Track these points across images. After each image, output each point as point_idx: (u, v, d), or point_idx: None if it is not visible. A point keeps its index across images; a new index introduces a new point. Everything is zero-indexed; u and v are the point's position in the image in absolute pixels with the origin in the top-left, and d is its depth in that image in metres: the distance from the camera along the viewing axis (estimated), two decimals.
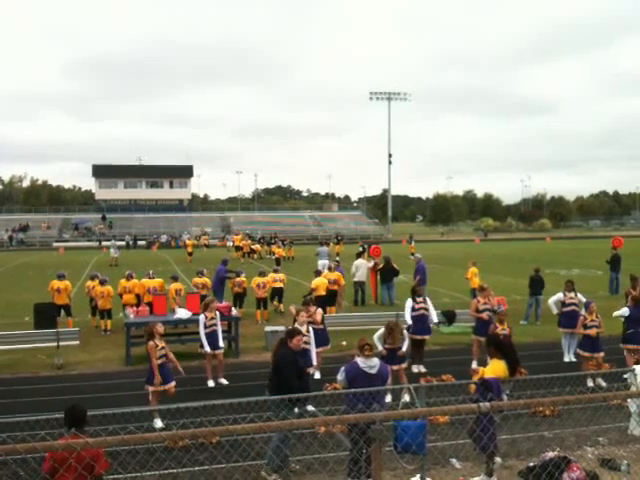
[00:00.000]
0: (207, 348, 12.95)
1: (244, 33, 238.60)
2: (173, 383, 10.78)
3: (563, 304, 14.89)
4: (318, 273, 20.42)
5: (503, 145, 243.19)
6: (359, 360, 8.09)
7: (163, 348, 10.80)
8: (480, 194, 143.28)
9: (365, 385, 7.67)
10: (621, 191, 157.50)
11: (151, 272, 20.58)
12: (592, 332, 12.84)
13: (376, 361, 8.10)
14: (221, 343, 13.28)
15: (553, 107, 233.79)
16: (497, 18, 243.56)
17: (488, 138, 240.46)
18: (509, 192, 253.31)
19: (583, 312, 14.41)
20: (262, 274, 20.96)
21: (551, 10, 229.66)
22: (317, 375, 13.09)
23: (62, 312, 18.88)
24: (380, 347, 11.62)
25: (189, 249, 48.36)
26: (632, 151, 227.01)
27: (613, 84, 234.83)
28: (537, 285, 19.91)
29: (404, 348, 11.88)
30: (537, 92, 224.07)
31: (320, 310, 13.75)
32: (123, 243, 66.38)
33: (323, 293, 19.23)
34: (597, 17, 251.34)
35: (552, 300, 15.15)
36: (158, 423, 10.27)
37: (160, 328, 10.94)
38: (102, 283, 19.23)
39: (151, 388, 10.63)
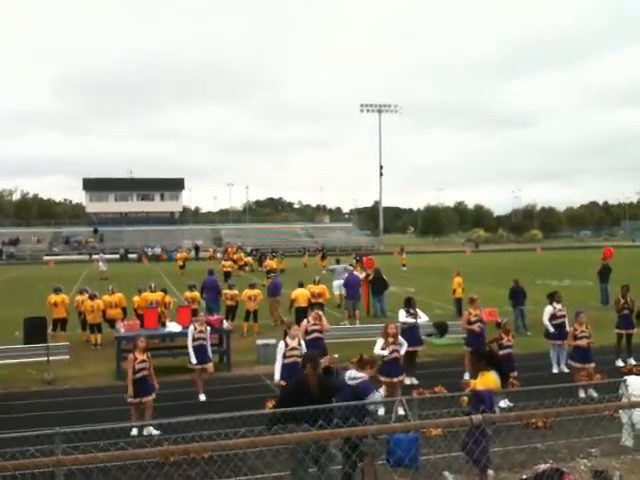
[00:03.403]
0: (194, 360, 12.93)
1: (230, 48, 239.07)
2: (152, 397, 10.95)
3: (554, 316, 14.90)
4: (300, 284, 20.24)
5: (492, 157, 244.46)
6: (347, 371, 8.14)
7: (144, 362, 10.95)
8: (471, 205, 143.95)
9: (346, 396, 7.74)
10: (610, 202, 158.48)
11: (153, 285, 20.48)
12: (583, 343, 12.87)
13: (359, 374, 8.10)
14: (210, 356, 13.27)
15: (539, 119, 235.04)
16: (483, 31, 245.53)
17: (477, 150, 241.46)
18: (499, 203, 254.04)
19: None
20: (252, 286, 20.94)
21: (534, 24, 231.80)
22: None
23: (58, 326, 18.79)
24: (386, 352, 11.69)
25: (180, 262, 48.22)
26: (617, 163, 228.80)
27: (594, 97, 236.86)
28: (518, 296, 19.95)
29: (402, 351, 11.98)
30: (523, 105, 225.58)
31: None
32: (116, 256, 66.22)
33: (303, 304, 19.10)
34: (578, 31, 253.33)
35: (546, 319, 15.06)
36: (134, 431, 10.46)
37: (142, 343, 11.06)
38: (92, 297, 19.14)
39: (128, 400, 10.90)
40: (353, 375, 8.07)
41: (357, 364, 8.21)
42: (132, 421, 10.71)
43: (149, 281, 22.75)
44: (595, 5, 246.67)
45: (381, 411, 10.21)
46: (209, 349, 13.30)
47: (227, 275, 36.62)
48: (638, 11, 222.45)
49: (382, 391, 11.44)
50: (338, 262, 28.69)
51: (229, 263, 41.69)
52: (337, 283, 25.07)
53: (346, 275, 23.32)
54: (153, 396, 11.02)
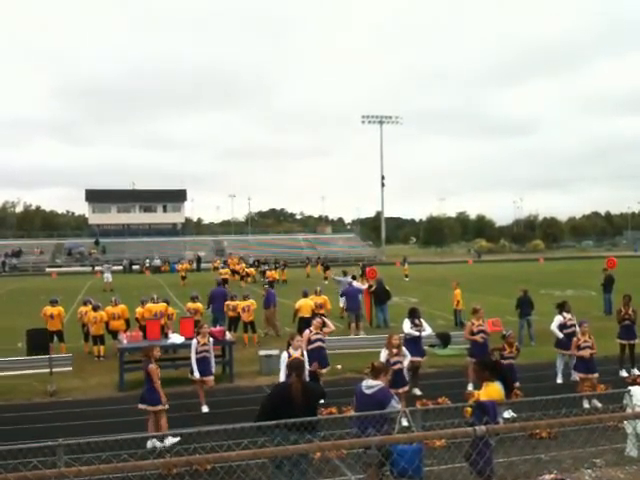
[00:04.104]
0: (197, 374, 12.88)
1: (230, 56, 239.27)
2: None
3: (564, 326, 14.87)
4: (304, 294, 20.17)
5: (492, 165, 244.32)
6: (364, 381, 8.21)
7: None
8: (473, 215, 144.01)
9: (361, 405, 7.84)
10: (612, 211, 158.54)
11: (155, 296, 20.50)
12: (585, 353, 12.84)
13: (374, 383, 8.10)
14: (212, 369, 13.23)
15: (539, 127, 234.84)
16: (482, 38, 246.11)
17: (477, 158, 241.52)
18: (501, 213, 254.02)
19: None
20: (245, 298, 20.97)
21: (534, 31, 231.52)
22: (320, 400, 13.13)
23: (55, 338, 18.78)
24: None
25: (182, 273, 48.17)
26: (616, 170, 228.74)
27: (594, 105, 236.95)
28: (526, 306, 19.87)
29: (405, 363, 11.94)
30: (522, 112, 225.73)
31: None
32: (119, 268, 66.10)
33: (307, 315, 19.01)
34: (577, 38, 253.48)
35: (555, 326, 15.05)
36: (157, 443, 10.38)
37: (157, 353, 11.20)
38: (95, 309, 19.13)
39: (150, 408, 10.90)
40: (369, 384, 8.07)
41: (371, 373, 8.23)
42: (149, 431, 10.66)
43: (152, 292, 22.78)
44: (594, 12, 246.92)
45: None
46: (212, 362, 13.28)
47: (224, 282, 38.08)
48: (637, 18, 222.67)
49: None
50: (345, 274, 28.31)
51: (226, 270, 45.05)
52: (343, 300, 24.62)
53: (346, 286, 23.20)
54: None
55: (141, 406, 11.06)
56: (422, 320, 14.37)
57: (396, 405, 7.99)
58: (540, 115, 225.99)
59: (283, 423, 6.76)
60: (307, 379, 11.63)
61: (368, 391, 8.01)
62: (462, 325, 22.21)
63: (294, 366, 8.32)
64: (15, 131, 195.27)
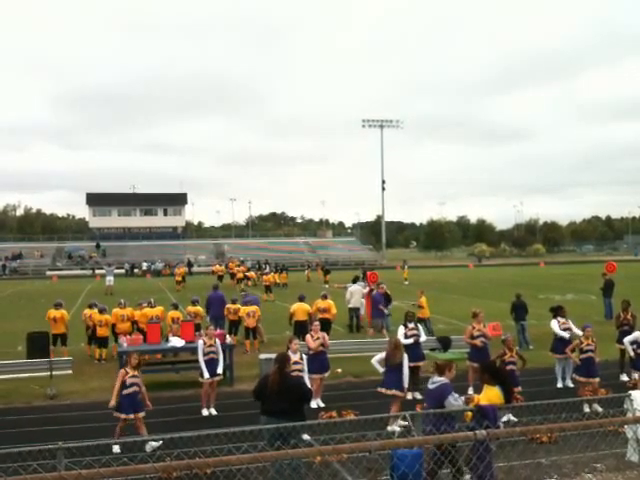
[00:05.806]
0: (206, 374, 12.82)
1: (230, 61, 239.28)
2: (142, 414, 10.86)
3: None
4: (300, 298, 20.01)
5: (493, 171, 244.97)
6: (430, 378, 8.81)
7: (134, 377, 10.85)
8: (473, 219, 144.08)
9: (429, 400, 8.69)
10: (612, 216, 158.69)
11: (152, 300, 20.47)
12: (575, 358, 12.94)
13: (438, 379, 8.55)
14: (220, 370, 13.14)
15: (537, 132, 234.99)
16: (480, 44, 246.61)
17: (478, 164, 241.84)
18: (502, 217, 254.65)
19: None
20: (251, 302, 20.89)
21: (530, 39, 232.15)
22: (321, 404, 13.10)
23: (58, 341, 18.76)
24: (381, 369, 11.90)
25: (178, 277, 47.90)
26: (616, 176, 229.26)
27: (592, 110, 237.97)
28: (519, 311, 19.79)
29: (404, 370, 11.93)
30: (522, 118, 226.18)
31: (325, 334, 13.95)
32: (121, 271, 66.04)
33: (302, 318, 18.92)
34: (572, 45, 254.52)
35: (558, 330, 15.00)
36: (115, 448, 10.06)
37: (134, 360, 10.98)
38: (101, 312, 19.13)
39: (121, 415, 10.69)
40: (434, 380, 8.61)
41: (435, 371, 8.75)
42: (142, 434, 10.59)
43: (152, 296, 22.73)
44: (590, 21, 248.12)
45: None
46: (220, 363, 13.20)
47: (220, 278, 41.72)
48: (632, 26, 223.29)
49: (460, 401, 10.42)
50: (355, 280, 26.42)
51: (222, 267, 49.70)
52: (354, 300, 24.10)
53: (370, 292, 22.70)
54: (142, 414, 10.88)
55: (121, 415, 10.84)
56: (418, 325, 14.38)
57: (453, 402, 8.20)
58: (539, 121, 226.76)
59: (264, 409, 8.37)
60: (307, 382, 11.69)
61: (431, 386, 8.58)
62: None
63: (277, 359, 9.01)
64: (16, 136, 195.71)
